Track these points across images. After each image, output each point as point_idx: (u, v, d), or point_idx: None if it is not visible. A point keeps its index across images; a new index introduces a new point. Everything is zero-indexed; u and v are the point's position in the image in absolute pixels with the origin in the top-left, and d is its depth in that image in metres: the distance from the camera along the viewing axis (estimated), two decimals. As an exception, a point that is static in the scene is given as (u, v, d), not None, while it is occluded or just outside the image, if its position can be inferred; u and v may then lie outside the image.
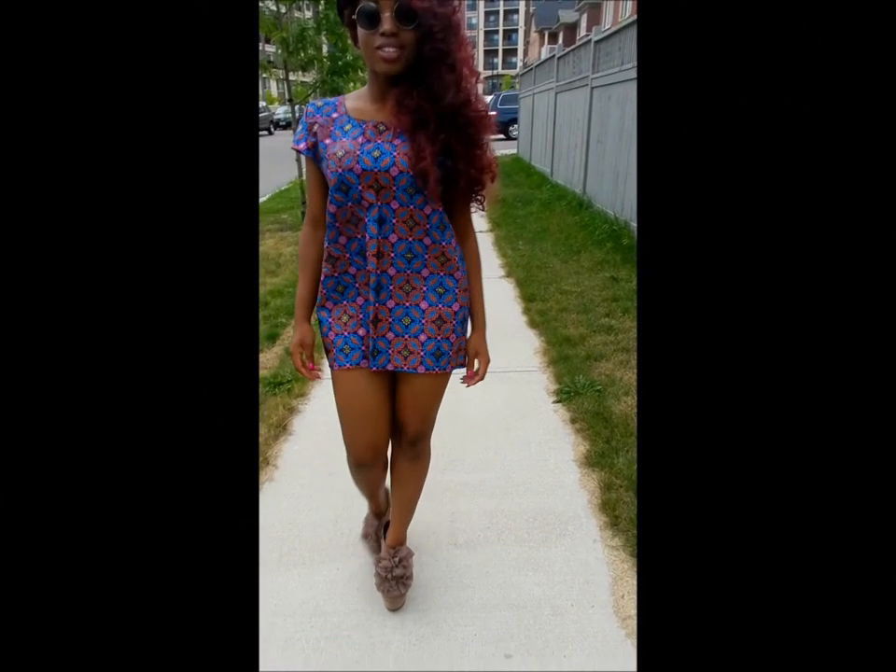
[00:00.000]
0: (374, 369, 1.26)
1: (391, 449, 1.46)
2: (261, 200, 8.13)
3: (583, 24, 29.40)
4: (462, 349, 1.32)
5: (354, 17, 1.08)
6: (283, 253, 5.10)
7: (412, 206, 1.16)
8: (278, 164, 8.81)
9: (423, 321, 1.24)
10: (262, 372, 2.82)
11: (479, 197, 1.23)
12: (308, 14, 7.60)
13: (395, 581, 1.52)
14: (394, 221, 1.17)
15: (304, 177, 1.40)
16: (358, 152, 1.13)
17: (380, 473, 1.46)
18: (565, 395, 2.57)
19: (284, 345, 3.16)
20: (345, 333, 1.27)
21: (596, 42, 6.08)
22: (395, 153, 1.13)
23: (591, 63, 6.23)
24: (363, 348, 1.26)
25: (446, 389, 1.36)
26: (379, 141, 1.14)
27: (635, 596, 1.55)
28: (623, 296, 3.65)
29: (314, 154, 1.21)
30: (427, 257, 1.21)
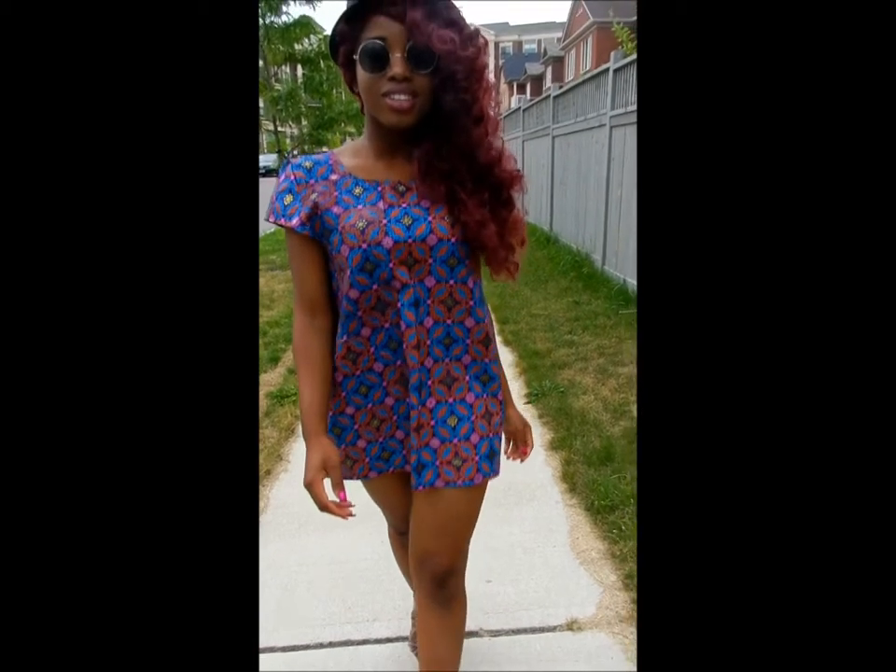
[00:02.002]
0: (421, 488, 1.00)
1: (414, 596, 1.18)
2: (249, 243, 8.56)
3: (548, 76, 31.20)
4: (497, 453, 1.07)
5: (355, 57, 0.88)
6: (275, 290, 5.52)
7: (452, 282, 0.95)
8: (262, 209, 9.30)
9: (472, 418, 1.01)
10: (269, 389, 3.20)
11: (508, 265, 1.00)
12: (295, 70, 8.27)
13: None
14: (429, 302, 0.95)
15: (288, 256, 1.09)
16: (385, 221, 0.91)
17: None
18: (534, 396, 3.00)
19: (286, 366, 3.56)
20: (380, 440, 1.03)
21: (555, 97, 6.80)
22: (430, 218, 0.92)
23: (551, 115, 6.93)
24: (404, 452, 1.04)
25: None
26: (405, 205, 0.93)
27: (588, 538, 1.95)
28: (584, 316, 4.14)
29: (311, 229, 0.94)
30: (468, 342, 0.99)
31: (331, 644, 1.57)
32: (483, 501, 1.09)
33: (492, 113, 0.92)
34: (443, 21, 0.85)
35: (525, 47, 53.31)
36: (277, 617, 1.66)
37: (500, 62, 47.91)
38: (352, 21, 0.88)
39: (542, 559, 1.87)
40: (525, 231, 1.02)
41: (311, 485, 0.95)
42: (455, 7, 0.88)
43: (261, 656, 0.93)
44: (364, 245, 0.90)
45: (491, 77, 0.92)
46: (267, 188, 1.95)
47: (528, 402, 2.98)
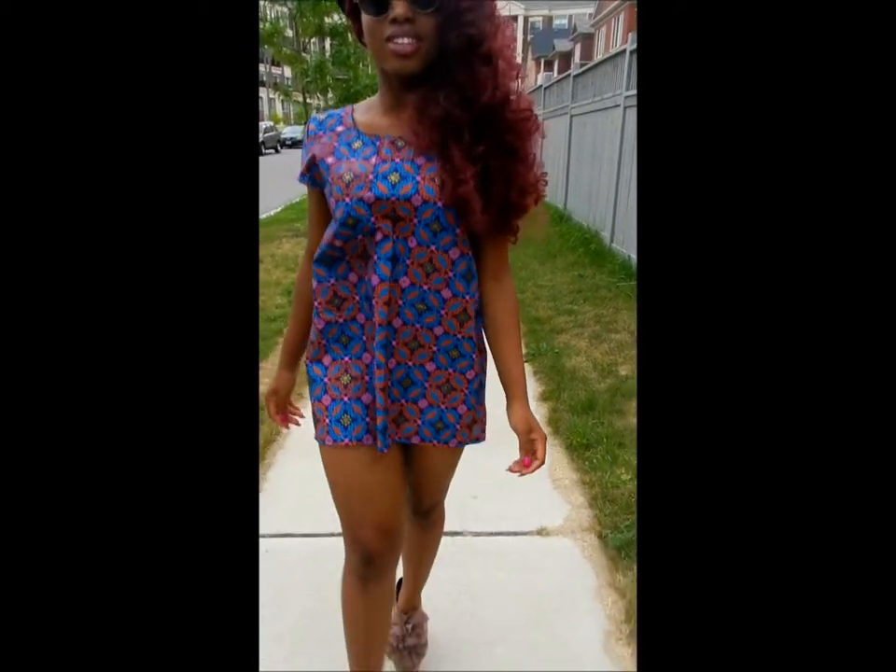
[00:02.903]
0: (385, 450, 0.98)
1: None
2: (276, 211, 8.90)
3: (577, 53, 30.73)
4: (477, 422, 1.04)
5: (356, 0, 0.85)
6: (300, 254, 5.85)
7: (433, 247, 0.91)
8: (288, 180, 9.56)
9: (425, 384, 0.99)
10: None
11: (502, 227, 0.92)
12: (324, 43, 8.47)
13: (407, 651, 1.35)
14: (408, 262, 0.91)
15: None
16: (371, 176, 0.88)
17: (387, 594, 1.10)
18: (531, 356, 3.29)
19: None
20: (344, 399, 0.99)
21: (575, 77, 6.92)
22: (418, 177, 0.88)
23: (570, 94, 7.07)
24: (367, 420, 0.98)
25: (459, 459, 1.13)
26: (397, 160, 0.89)
27: (564, 470, 2.25)
28: (586, 288, 4.40)
29: (310, 178, 0.96)
30: (443, 312, 0.95)
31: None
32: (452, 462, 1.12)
33: (507, 53, 0.85)
34: None
35: (556, 22, 52.25)
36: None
37: (529, 37, 47.15)
38: None
39: (522, 483, 2.15)
40: (542, 187, 0.91)
41: (266, 400, 1.17)
42: None
43: (261, 657, 0.91)
44: (347, 199, 0.89)
45: (504, 14, 0.86)
46: (295, 158, 2.20)
47: (525, 361, 3.26)
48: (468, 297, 0.96)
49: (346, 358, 0.99)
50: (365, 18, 0.85)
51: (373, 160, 0.90)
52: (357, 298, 0.97)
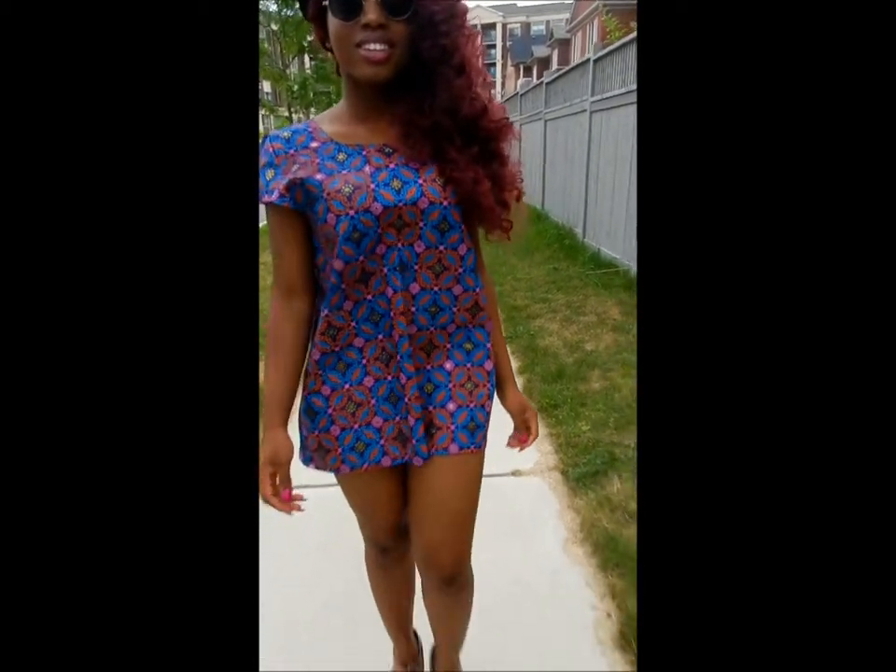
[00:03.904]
0: (418, 461, 0.96)
1: (421, 584, 1.14)
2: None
3: (555, 58, 31.36)
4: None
5: (325, 3, 0.83)
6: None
7: (442, 247, 0.91)
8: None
9: (449, 385, 0.97)
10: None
11: (503, 223, 0.94)
12: (303, 60, 8.89)
13: None
14: (416, 268, 0.91)
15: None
16: (372, 185, 0.86)
17: (406, 571, 1.19)
18: (508, 338, 3.66)
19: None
20: (355, 427, 0.96)
21: (547, 84, 7.36)
22: (420, 180, 0.88)
23: (543, 100, 7.50)
24: (382, 442, 0.97)
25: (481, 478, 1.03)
26: (392, 167, 0.88)
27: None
28: (560, 279, 4.80)
29: (291, 200, 0.88)
30: (455, 309, 0.95)
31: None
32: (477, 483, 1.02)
33: (476, 62, 0.87)
34: None
35: (534, 28, 53.11)
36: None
37: (508, 43, 47.87)
38: None
39: (498, 437, 2.53)
40: (520, 185, 0.96)
41: (260, 478, 0.94)
42: None
43: (261, 654, 0.91)
44: (352, 212, 0.85)
45: (473, 23, 0.87)
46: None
47: (504, 343, 3.65)
48: (477, 289, 0.96)
49: (347, 386, 0.95)
50: (334, 22, 0.83)
51: (367, 168, 0.88)
52: (353, 324, 0.93)
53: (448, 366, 0.97)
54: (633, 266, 4.54)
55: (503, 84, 50.81)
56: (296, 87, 7.01)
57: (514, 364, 3.28)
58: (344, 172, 0.88)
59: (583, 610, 1.59)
